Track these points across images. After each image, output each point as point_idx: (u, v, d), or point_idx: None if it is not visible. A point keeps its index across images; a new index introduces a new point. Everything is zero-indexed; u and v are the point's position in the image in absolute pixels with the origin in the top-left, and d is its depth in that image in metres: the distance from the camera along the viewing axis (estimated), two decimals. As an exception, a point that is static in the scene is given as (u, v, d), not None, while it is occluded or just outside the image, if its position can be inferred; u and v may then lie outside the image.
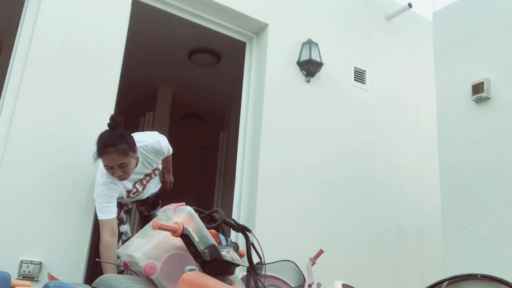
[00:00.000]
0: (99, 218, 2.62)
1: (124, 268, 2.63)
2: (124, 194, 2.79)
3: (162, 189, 3.26)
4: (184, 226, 1.69)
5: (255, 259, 2.10)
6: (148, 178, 2.91)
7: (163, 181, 3.30)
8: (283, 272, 2.60)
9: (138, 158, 2.71)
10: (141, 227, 3.05)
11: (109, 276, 1.82)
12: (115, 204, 2.66)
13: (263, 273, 2.33)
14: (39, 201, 2.68)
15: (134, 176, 2.76)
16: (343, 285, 2.59)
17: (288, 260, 2.63)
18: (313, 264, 2.99)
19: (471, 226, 2.65)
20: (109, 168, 2.55)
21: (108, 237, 2.54)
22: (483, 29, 2.87)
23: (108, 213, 2.60)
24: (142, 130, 5.18)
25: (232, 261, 1.70)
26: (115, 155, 2.50)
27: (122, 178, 2.62)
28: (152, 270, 1.75)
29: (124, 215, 2.98)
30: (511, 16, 2.74)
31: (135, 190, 2.84)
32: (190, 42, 4.79)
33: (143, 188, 2.92)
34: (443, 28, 3.12)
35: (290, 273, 2.61)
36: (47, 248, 2.65)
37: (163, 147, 2.86)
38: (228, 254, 1.71)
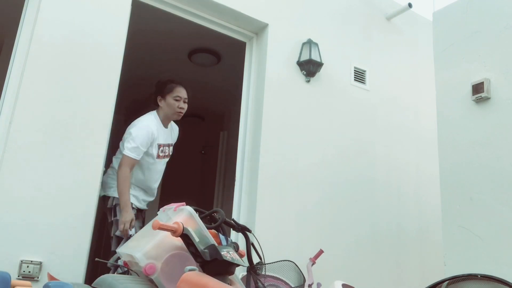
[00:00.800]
0: (125, 153, 2.94)
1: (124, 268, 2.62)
2: (156, 148, 3.12)
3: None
4: (184, 226, 1.69)
5: (255, 259, 2.10)
6: (168, 149, 3.27)
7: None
8: (283, 272, 2.60)
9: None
10: None
11: (109, 276, 1.82)
12: (145, 150, 3.01)
13: (263, 273, 2.33)
14: (39, 201, 2.68)
15: (167, 134, 3.24)
16: (343, 285, 2.59)
17: (288, 260, 2.63)
18: (313, 264, 2.99)
19: (471, 226, 2.65)
20: (178, 100, 3.20)
21: (127, 170, 2.94)
22: (483, 29, 2.87)
23: (136, 152, 2.97)
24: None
25: (232, 261, 1.70)
26: (185, 90, 3.28)
27: (180, 112, 3.22)
28: (152, 270, 1.75)
29: None
30: (511, 16, 2.74)
31: (163, 148, 3.20)
32: (190, 42, 4.79)
33: (166, 156, 3.26)
34: (443, 28, 3.12)
35: (290, 273, 2.61)
36: (47, 248, 2.65)
37: (177, 134, 3.44)
38: (228, 254, 1.71)
